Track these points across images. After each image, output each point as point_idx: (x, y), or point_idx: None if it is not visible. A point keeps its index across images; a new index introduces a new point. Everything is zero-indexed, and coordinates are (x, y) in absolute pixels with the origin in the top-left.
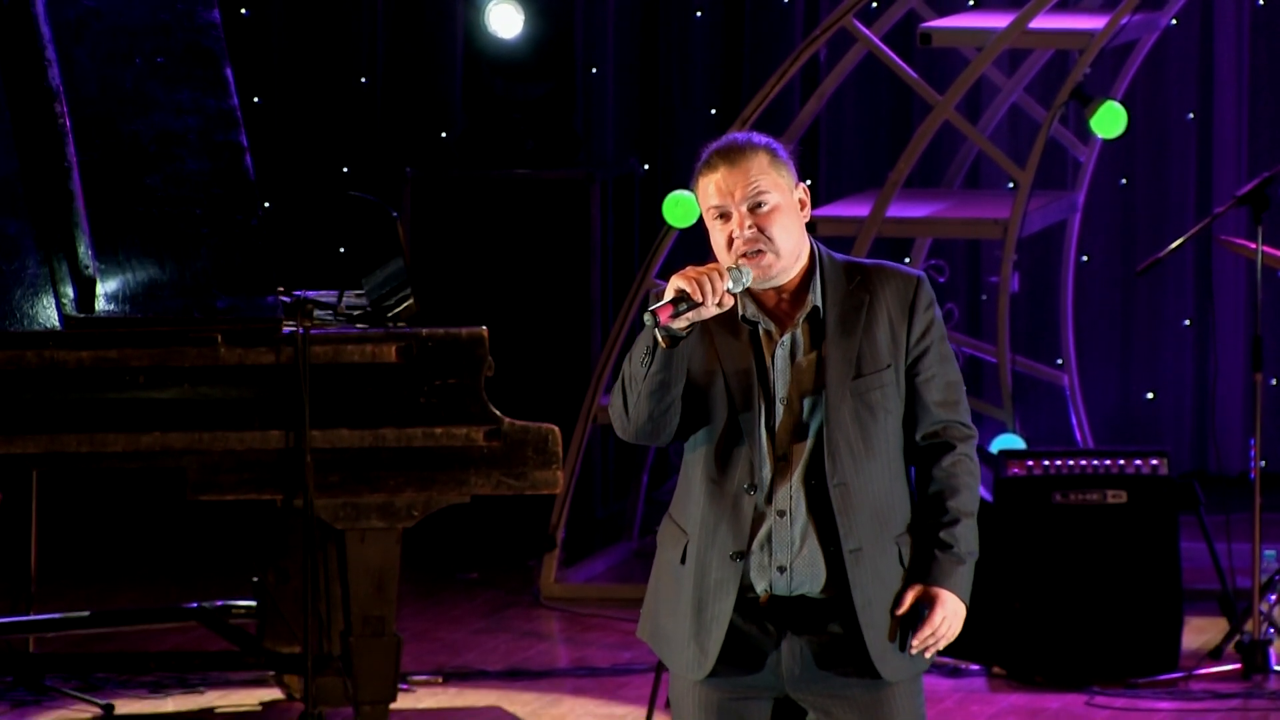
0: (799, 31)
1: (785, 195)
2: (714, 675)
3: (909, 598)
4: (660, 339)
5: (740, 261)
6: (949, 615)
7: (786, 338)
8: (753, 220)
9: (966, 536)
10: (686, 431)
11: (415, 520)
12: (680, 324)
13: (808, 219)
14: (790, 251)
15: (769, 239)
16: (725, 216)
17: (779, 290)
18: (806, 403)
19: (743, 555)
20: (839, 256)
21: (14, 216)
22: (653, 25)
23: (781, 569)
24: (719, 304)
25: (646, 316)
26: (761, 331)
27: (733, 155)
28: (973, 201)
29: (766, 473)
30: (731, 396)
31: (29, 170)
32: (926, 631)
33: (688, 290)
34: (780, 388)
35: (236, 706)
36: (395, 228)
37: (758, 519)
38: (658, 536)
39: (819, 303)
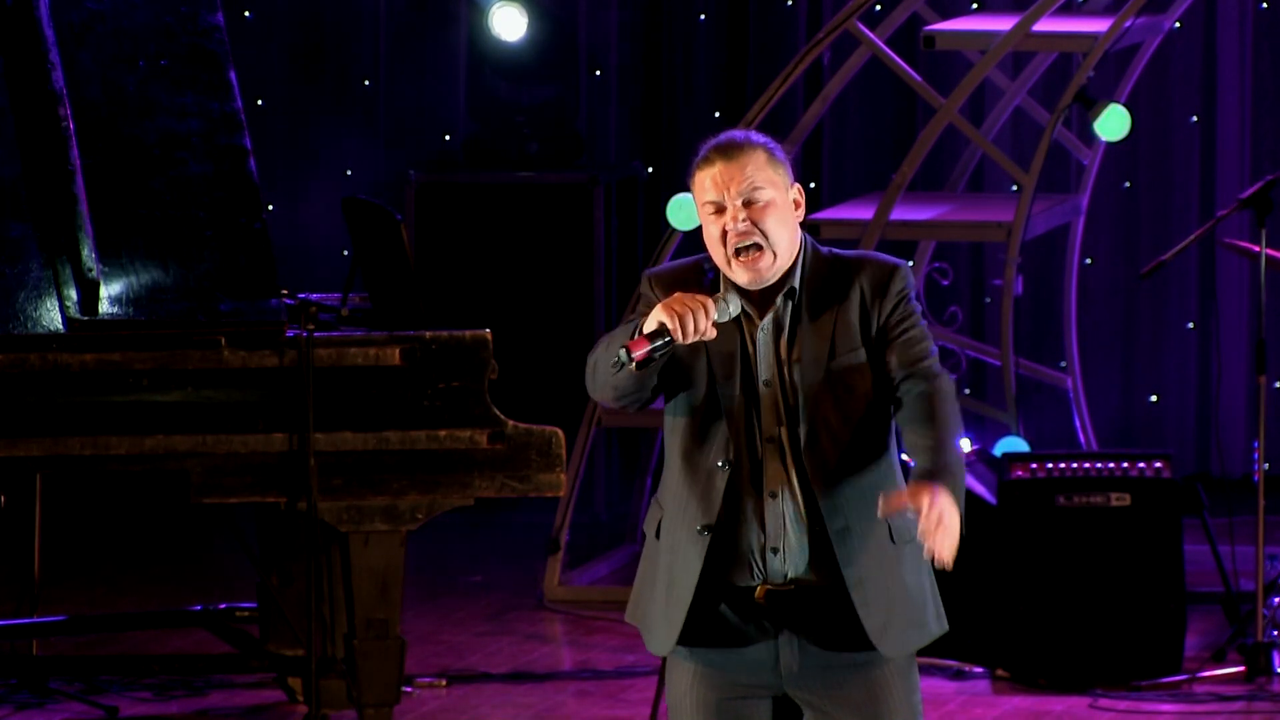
0: (803, 34)
1: (780, 193)
2: (712, 673)
3: (900, 498)
4: (630, 367)
5: (736, 265)
6: (944, 507)
7: (767, 321)
8: (747, 214)
9: (950, 454)
10: (665, 393)
11: (419, 523)
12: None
13: (801, 219)
14: (785, 250)
15: (763, 233)
16: (720, 211)
17: None
18: (788, 384)
19: (710, 529)
20: (824, 249)
21: (17, 219)
22: (656, 28)
23: (775, 550)
24: (702, 336)
25: (621, 352)
26: (743, 315)
27: (730, 151)
28: (976, 204)
29: (755, 457)
30: (713, 375)
31: (32, 173)
32: (931, 511)
33: (669, 326)
34: (763, 370)
35: (240, 709)
36: (399, 231)
37: (744, 502)
38: (645, 520)
39: (797, 285)
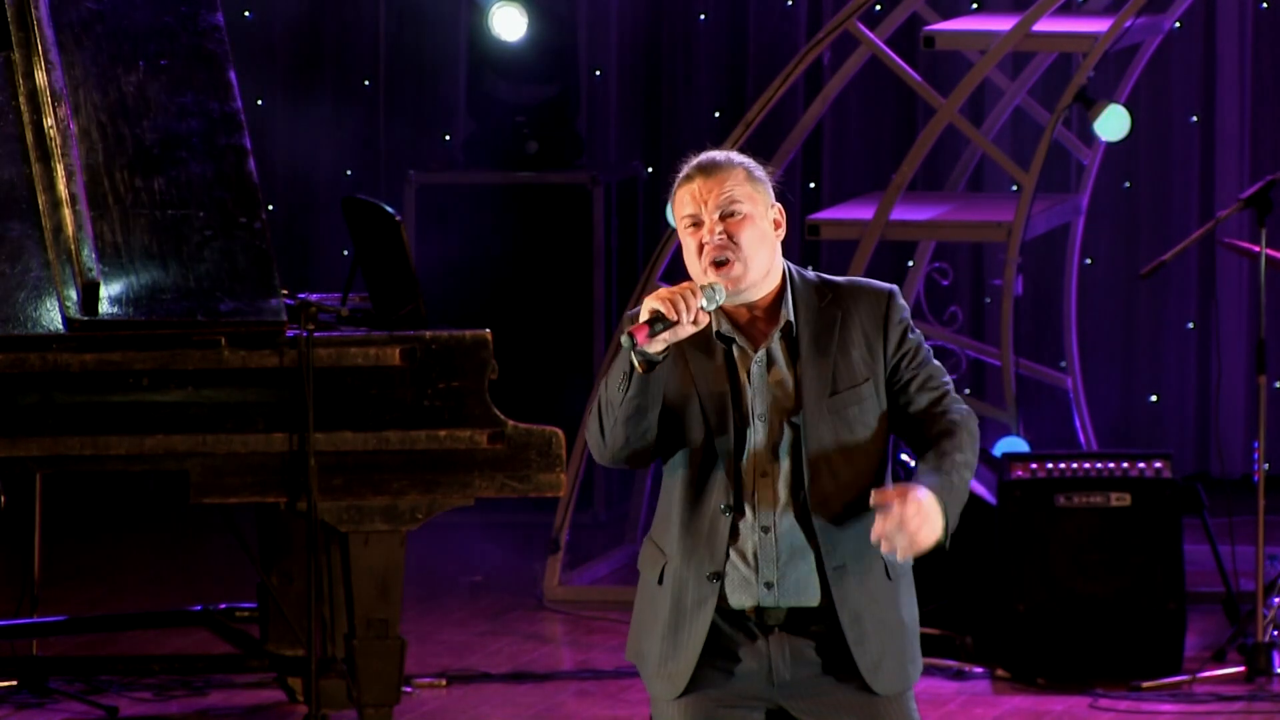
0: (803, 34)
1: (759, 209)
2: (700, 684)
3: (883, 496)
4: (636, 363)
5: (711, 274)
6: (917, 512)
7: (761, 354)
8: (723, 227)
9: (958, 464)
10: (664, 453)
11: (419, 523)
12: (657, 346)
13: (782, 237)
14: (760, 266)
15: (737, 245)
16: (698, 225)
17: (751, 308)
18: (784, 420)
19: (719, 576)
20: (810, 275)
21: (17, 219)
22: (656, 28)
23: (769, 585)
24: (694, 322)
25: (624, 338)
26: (736, 349)
27: (709, 168)
28: (976, 204)
29: (748, 490)
30: (707, 417)
31: (32, 173)
32: (890, 523)
33: (662, 310)
34: (758, 405)
35: (240, 709)
36: (399, 231)
37: (737, 537)
38: (638, 560)
39: (791, 318)
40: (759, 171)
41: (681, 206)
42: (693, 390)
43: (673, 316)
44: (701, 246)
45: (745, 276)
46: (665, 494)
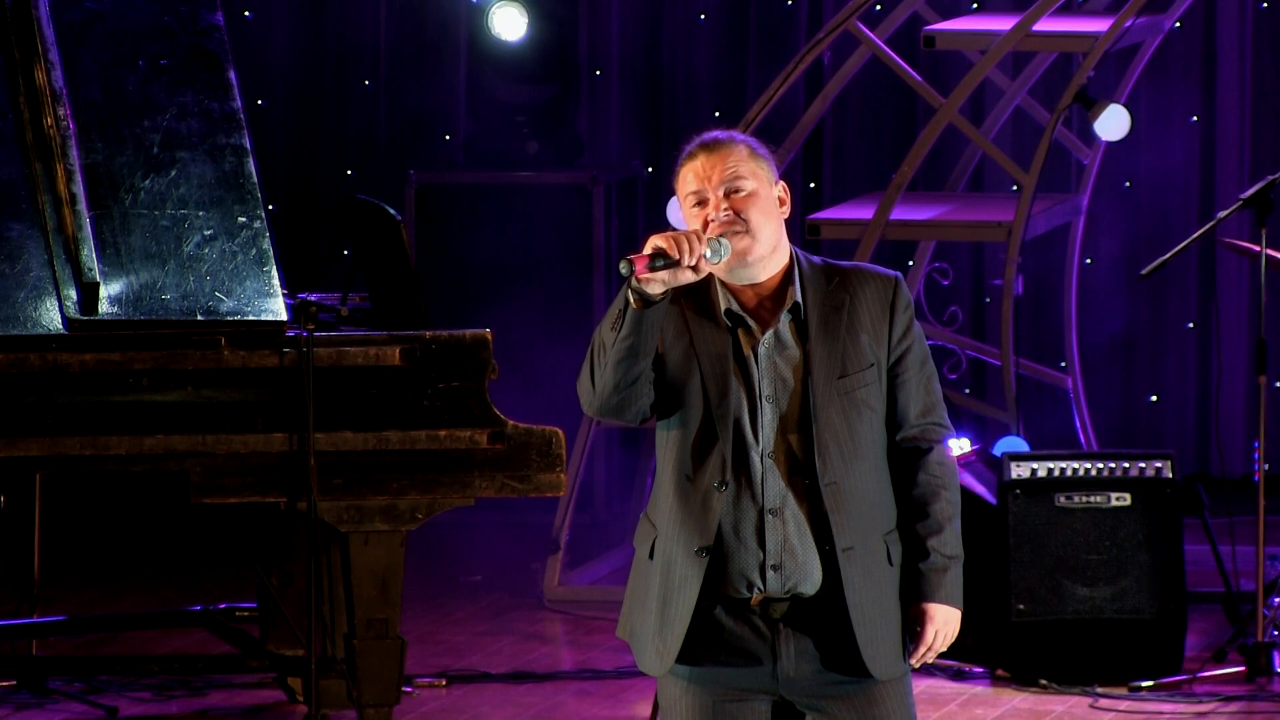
0: (803, 34)
1: (763, 185)
2: (708, 676)
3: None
4: (632, 300)
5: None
6: (940, 627)
7: (769, 335)
8: (729, 203)
9: (950, 541)
10: (661, 413)
11: (419, 523)
12: (655, 288)
13: (786, 215)
14: (767, 240)
15: (745, 221)
16: (702, 203)
17: (757, 289)
18: (793, 401)
19: (707, 550)
20: (815, 258)
21: (17, 219)
22: (657, 28)
23: (775, 567)
24: (695, 268)
25: (622, 265)
26: (743, 329)
27: (712, 145)
28: (976, 204)
29: (755, 472)
30: (707, 394)
31: (32, 173)
32: (921, 650)
33: (665, 248)
34: (766, 386)
35: (240, 709)
36: (399, 231)
37: (741, 519)
38: (634, 537)
39: (800, 299)
40: (761, 149)
41: (685, 184)
42: (695, 366)
43: (674, 254)
44: (707, 224)
45: (754, 249)
46: (659, 469)
